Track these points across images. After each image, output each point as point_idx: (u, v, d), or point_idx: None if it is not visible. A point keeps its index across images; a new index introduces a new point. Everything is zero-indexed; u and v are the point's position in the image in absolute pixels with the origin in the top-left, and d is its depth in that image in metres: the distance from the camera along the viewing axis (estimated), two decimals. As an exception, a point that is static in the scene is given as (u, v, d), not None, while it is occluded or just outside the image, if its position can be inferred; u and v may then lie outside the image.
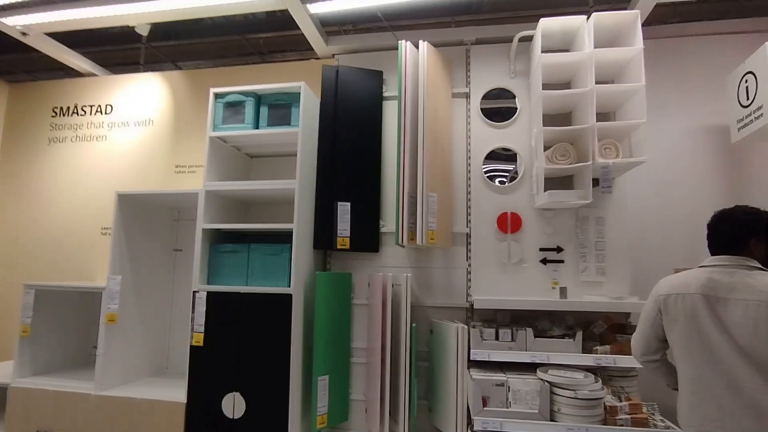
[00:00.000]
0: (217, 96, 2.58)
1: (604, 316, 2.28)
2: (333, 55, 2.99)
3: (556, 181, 2.39)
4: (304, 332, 2.44)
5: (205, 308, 2.41)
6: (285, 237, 2.44)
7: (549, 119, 2.29)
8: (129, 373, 2.85)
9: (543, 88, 2.24)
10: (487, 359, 2.17)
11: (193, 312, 2.42)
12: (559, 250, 2.44)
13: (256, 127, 2.54)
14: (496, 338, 2.20)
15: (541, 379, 2.05)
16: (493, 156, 2.59)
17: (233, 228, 2.56)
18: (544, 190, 2.20)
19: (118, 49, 3.90)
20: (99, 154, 3.55)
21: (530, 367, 2.18)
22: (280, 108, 2.51)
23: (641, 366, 1.75)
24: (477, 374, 2.14)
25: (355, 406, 2.57)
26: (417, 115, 2.37)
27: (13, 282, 3.50)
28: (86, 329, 3.26)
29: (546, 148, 2.27)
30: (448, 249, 2.56)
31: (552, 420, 1.99)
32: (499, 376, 2.11)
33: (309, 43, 3.02)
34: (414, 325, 2.29)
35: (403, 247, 2.53)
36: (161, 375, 3.07)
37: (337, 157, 2.58)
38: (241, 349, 2.35)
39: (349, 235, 2.51)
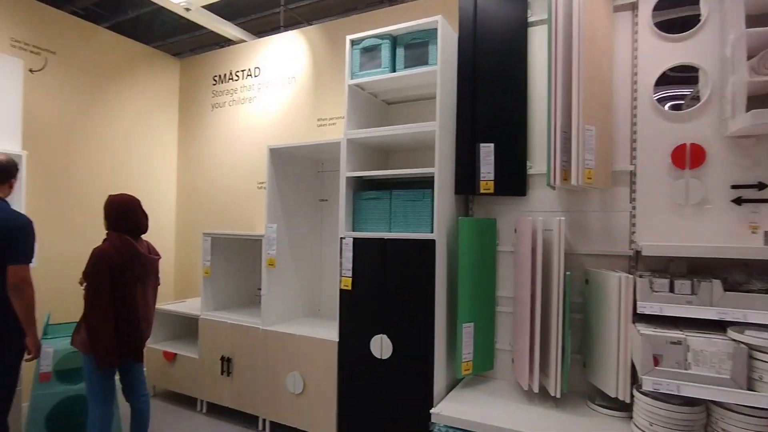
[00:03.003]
0: (353, 43, 2.57)
1: (827, 269, 1.80)
2: (469, -15, 2.75)
3: (759, 100, 1.89)
4: (448, 279, 2.41)
5: (351, 254, 2.51)
6: (425, 183, 2.39)
7: (751, 21, 1.80)
8: (287, 312, 3.16)
9: (745, -20, 1.75)
10: (657, 313, 1.89)
11: (341, 257, 2.54)
12: (761, 186, 1.97)
13: (393, 70, 2.48)
14: (671, 290, 1.89)
15: (736, 340, 1.71)
16: (666, 78, 2.16)
17: (375, 175, 2.59)
18: (746, 111, 1.76)
19: (260, 17, 4.16)
20: (251, 114, 3.89)
21: (715, 326, 1.84)
22: (417, 47, 2.40)
23: None
24: (646, 329, 1.88)
25: (500, 356, 2.49)
26: (571, 38, 2.06)
27: (195, 230, 4.10)
28: (251, 272, 3.69)
29: (748, 58, 1.79)
30: (607, 190, 2.25)
31: (750, 389, 1.66)
32: (676, 333, 1.82)
33: (439, -21, 2.83)
34: (568, 273, 2.09)
35: (554, 188, 2.30)
36: (314, 316, 3.36)
37: (478, 95, 2.40)
38: (386, 293, 2.41)
39: (493, 179, 2.36)
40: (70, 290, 2.23)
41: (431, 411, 2.11)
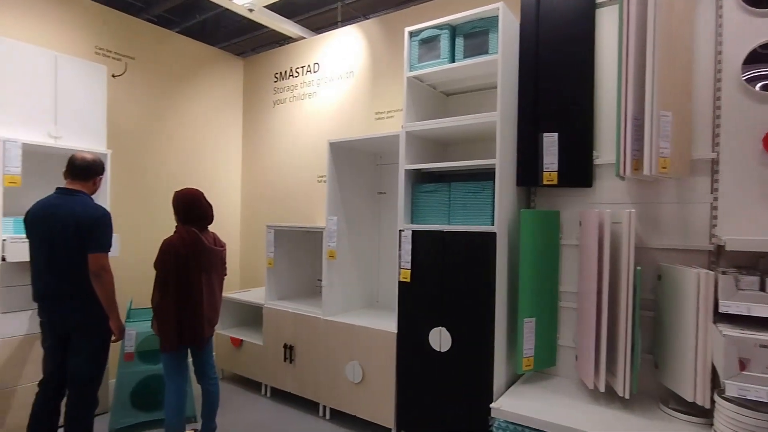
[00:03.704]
0: (411, 34, 2.56)
1: None
2: (531, -31, 2.65)
3: None
4: (509, 272, 2.36)
5: (410, 246, 2.52)
6: (485, 175, 2.34)
7: None
8: (347, 303, 3.22)
9: None
10: (743, 313, 1.74)
11: (399, 250, 2.56)
12: None
13: (452, 60, 2.44)
14: (761, 289, 1.74)
15: (837, 345, 1.55)
16: (756, 56, 1.96)
17: (434, 168, 2.57)
18: None
19: (318, 13, 4.24)
20: (311, 109, 3.98)
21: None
22: (477, 36, 2.35)
23: None
24: (730, 331, 1.74)
25: (563, 353, 2.41)
26: (644, 17, 1.93)
27: (259, 223, 4.29)
28: (312, 264, 3.80)
29: None
30: (683, 180, 2.10)
31: None
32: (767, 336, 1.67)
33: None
34: (639, 268, 1.98)
35: (624, 179, 2.17)
36: (372, 307, 3.41)
37: (541, 83, 2.32)
38: (445, 285, 2.40)
39: (556, 169, 2.27)
40: (151, 277, 2.40)
41: (491, 405, 2.09)
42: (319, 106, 3.91)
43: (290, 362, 3.22)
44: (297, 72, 4.09)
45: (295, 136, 4.09)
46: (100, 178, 2.47)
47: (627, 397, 1.97)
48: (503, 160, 2.26)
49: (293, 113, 4.11)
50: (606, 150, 2.27)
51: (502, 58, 2.25)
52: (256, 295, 3.78)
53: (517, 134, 2.40)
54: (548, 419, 1.92)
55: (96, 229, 2.26)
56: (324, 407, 3.10)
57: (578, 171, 2.28)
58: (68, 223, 2.22)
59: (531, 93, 2.35)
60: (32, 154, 2.88)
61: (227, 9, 3.73)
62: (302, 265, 3.76)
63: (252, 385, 3.62)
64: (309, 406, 3.22)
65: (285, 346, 3.25)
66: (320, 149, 3.79)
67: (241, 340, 3.56)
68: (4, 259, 2.59)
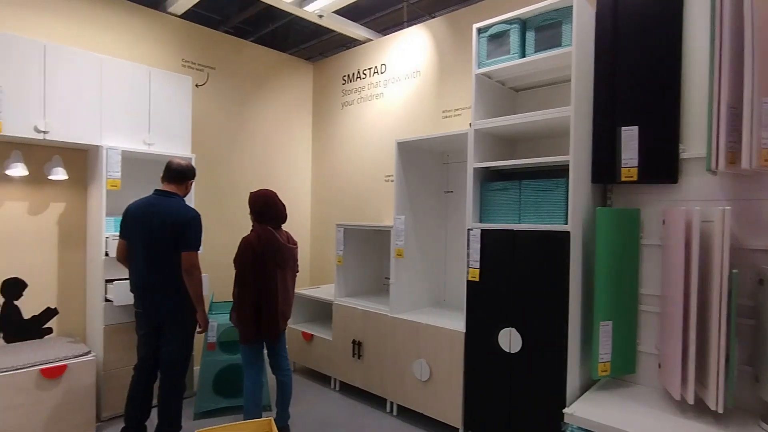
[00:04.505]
0: (480, 31, 2.53)
1: None
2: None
3: None
4: (584, 273, 2.26)
5: (479, 245, 2.49)
6: (557, 172, 2.27)
7: None
8: (414, 301, 3.24)
9: None
10: None
11: (468, 249, 2.54)
12: None
13: (523, 55, 2.38)
14: None
15: None
16: None
17: (504, 166, 2.52)
18: None
19: (384, 14, 4.28)
20: (378, 110, 4.05)
21: None
22: (549, 29, 2.27)
23: None
24: None
25: (643, 359, 2.27)
26: (741, -4, 1.77)
27: (328, 221, 4.43)
28: (380, 262, 3.86)
29: None
30: (789, 174, 1.90)
31: None
32: None
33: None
34: (735, 271, 1.81)
35: (716, 174, 2.00)
36: (439, 306, 3.40)
37: (618, 74, 2.19)
38: (515, 286, 2.35)
39: (636, 165, 2.14)
40: (230, 273, 2.57)
41: (564, 410, 2.01)
42: (386, 106, 3.96)
43: (359, 358, 3.30)
44: (364, 74, 4.17)
45: (362, 136, 4.18)
46: (191, 182, 2.69)
47: (720, 411, 1.81)
48: (577, 156, 2.17)
49: (361, 114, 4.20)
50: (694, 143, 2.10)
51: (577, 49, 2.16)
52: (326, 291, 3.91)
53: (593, 128, 2.29)
54: (629, 429, 1.82)
55: (188, 230, 2.45)
56: (391, 403, 3.15)
57: (661, 166, 2.13)
58: (164, 223, 2.43)
59: (608, 84, 2.23)
60: (128, 159, 3.19)
61: (298, 16, 3.89)
62: (370, 263, 3.83)
63: (322, 379, 3.74)
64: (376, 401, 3.28)
65: (354, 341, 3.33)
66: (387, 149, 3.85)
67: (312, 335, 3.70)
68: (107, 254, 2.89)
